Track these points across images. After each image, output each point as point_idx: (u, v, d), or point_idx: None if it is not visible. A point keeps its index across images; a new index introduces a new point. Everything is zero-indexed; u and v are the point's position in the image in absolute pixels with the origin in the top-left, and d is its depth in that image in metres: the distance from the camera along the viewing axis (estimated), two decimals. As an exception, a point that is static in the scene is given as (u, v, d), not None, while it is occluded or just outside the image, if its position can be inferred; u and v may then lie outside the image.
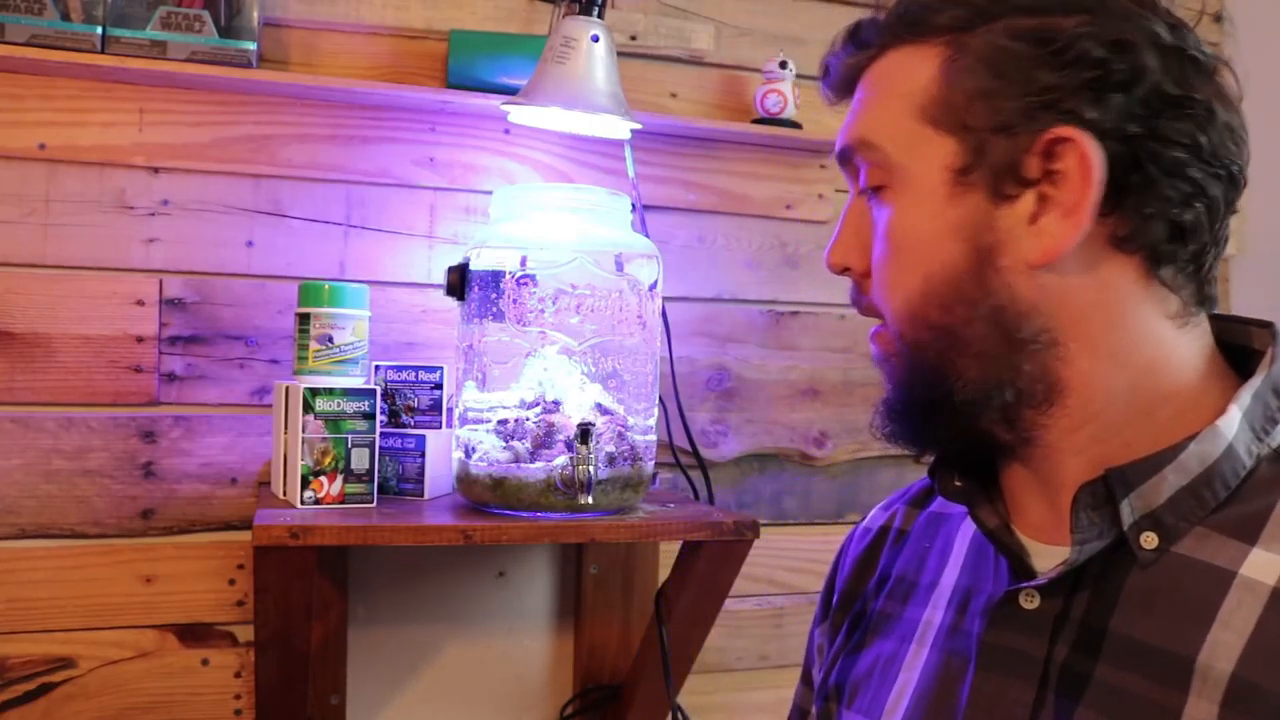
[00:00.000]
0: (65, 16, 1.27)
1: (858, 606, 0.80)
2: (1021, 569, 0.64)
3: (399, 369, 1.33)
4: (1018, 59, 0.60)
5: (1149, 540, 0.59)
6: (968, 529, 0.73)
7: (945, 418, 0.64)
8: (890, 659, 0.72)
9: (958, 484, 0.69)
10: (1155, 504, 0.59)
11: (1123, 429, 0.62)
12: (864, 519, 0.87)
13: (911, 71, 0.64)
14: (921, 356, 0.64)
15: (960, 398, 0.63)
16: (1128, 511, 0.59)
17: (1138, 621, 0.58)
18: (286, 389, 1.24)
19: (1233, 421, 0.60)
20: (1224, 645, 0.55)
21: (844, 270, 0.69)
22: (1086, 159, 0.58)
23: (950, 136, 0.62)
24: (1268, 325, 0.65)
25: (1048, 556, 0.64)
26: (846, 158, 0.69)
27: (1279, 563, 0.56)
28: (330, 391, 1.22)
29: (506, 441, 1.20)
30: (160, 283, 1.38)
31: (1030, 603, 0.62)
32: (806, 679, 0.88)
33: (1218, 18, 1.96)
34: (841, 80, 0.70)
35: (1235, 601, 0.56)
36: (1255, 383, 0.61)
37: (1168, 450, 0.59)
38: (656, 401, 1.30)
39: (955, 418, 0.64)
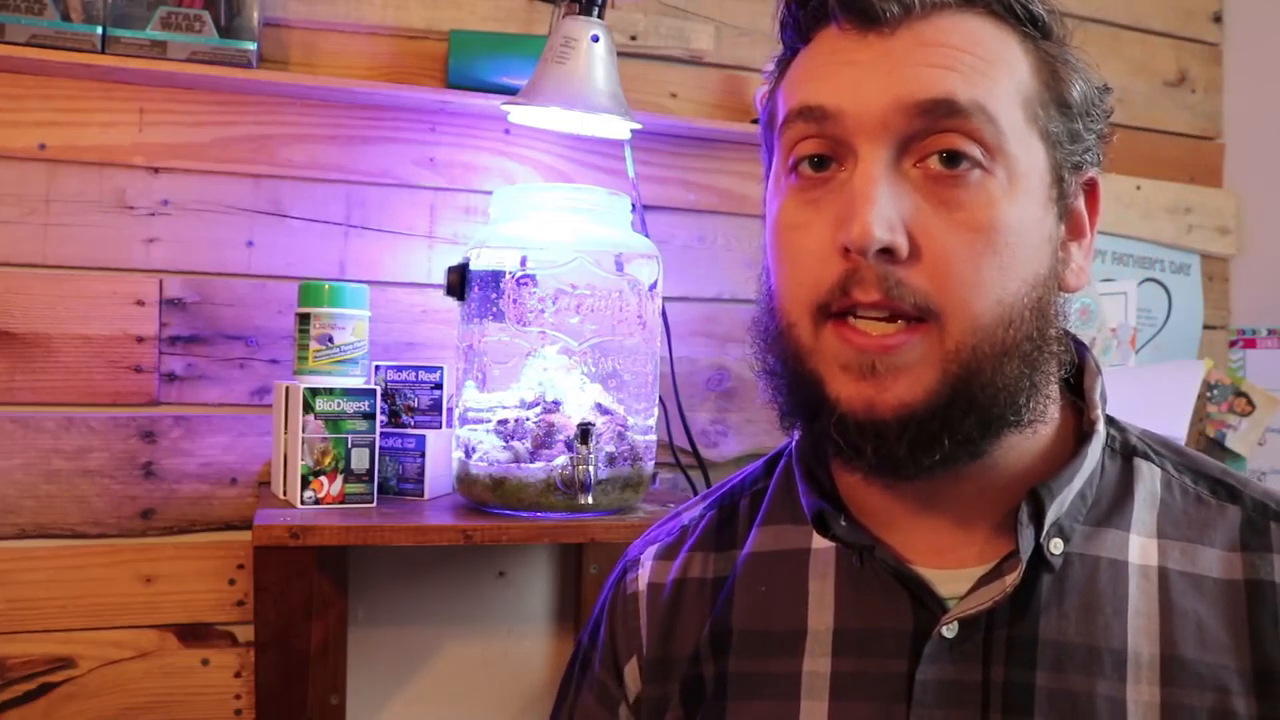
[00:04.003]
0: (65, 16, 1.27)
1: (687, 672, 0.70)
2: (931, 600, 0.63)
3: (399, 369, 1.33)
4: (1092, 100, 0.63)
5: (1056, 546, 0.62)
6: (820, 568, 0.68)
7: (985, 427, 0.59)
8: None
9: (844, 524, 0.65)
10: (1060, 511, 0.63)
11: (1040, 441, 0.65)
12: (624, 579, 0.77)
13: (1007, 54, 0.60)
14: (985, 361, 0.58)
15: (999, 408, 0.59)
16: (1047, 523, 0.62)
17: (1062, 625, 0.61)
18: (286, 389, 1.24)
19: (1101, 425, 0.66)
20: (1144, 631, 0.60)
21: (882, 251, 0.56)
22: (1099, 204, 0.65)
23: (1042, 144, 0.61)
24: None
25: (950, 583, 0.63)
26: (944, 113, 0.57)
27: (1153, 545, 0.63)
28: (330, 391, 1.22)
29: (506, 441, 1.20)
30: (160, 283, 1.38)
31: (951, 632, 0.61)
32: None
33: (1217, 18, 1.96)
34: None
35: (1136, 588, 0.61)
36: (1099, 385, 0.67)
37: (1074, 460, 0.63)
38: (656, 401, 1.30)
39: (994, 427, 0.60)
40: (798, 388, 0.62)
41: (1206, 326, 1.93)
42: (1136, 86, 1.89)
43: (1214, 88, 1.95)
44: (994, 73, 0.59)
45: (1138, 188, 1.86)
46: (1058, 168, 0.62)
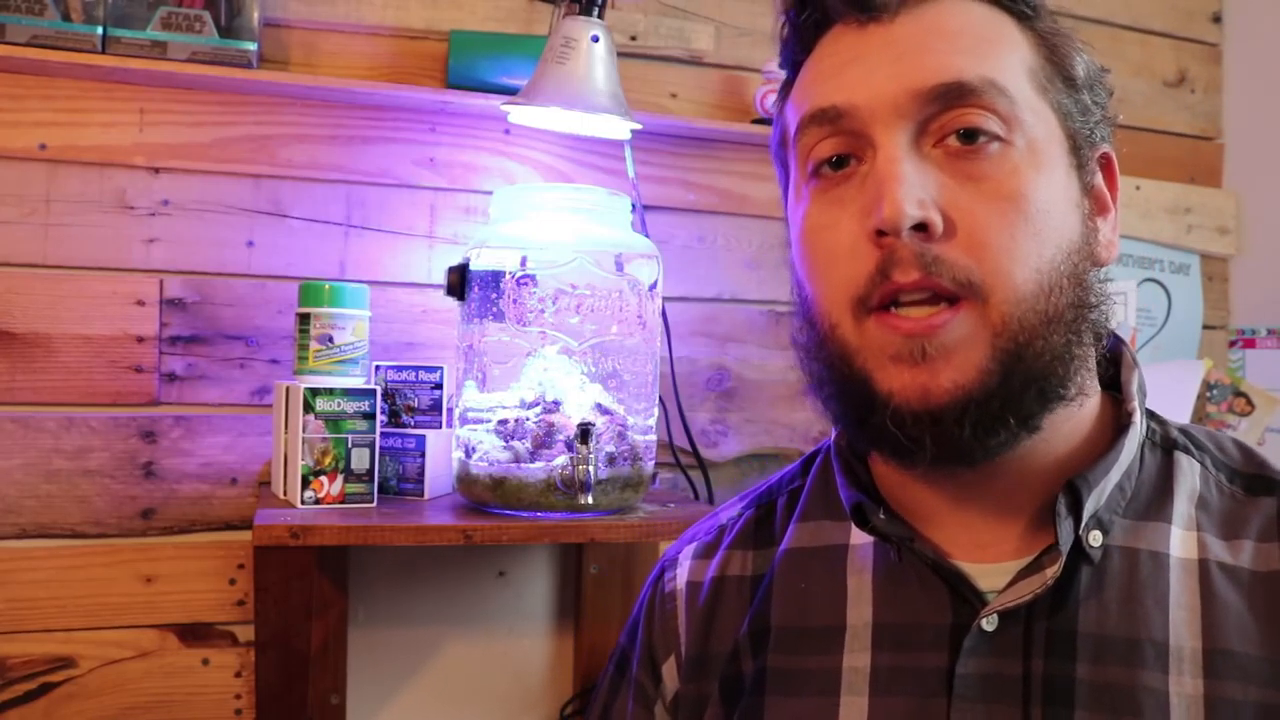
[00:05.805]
0: (66, 17, 1.27)
1: (726, 670, 0.70)
2: (970, 593, 0.63)
3: (399, 369, 1.33)
4: (1094, 74, 0.64)
5: (1095, 539, 0.62)
6: (858, 564, 0.68)
7: (1042, 399, 0.59)
8: (817, 717, 0.65)
9: (882, 517, 0.65)
10: (1099, 504, 0.62)
11: (1078, 431, 0.64)
12: (663, 579, 0.77)
13: (1006, 33, 0.61)
14: (1032, 332, 0.57)
15: (1054, 378, 0.59)
16: (1086, 515, 0.61)
17: (1102, 617, 0.60)
18: (287, 389, 1.24)
19: (1139, 417, 0.65)
20: (1185, 624, 0.59)
21: (916, 228, 0.56)
22: (1117, 180, 0.65)
23: (1054, 114, 0.62)
24: None
25: (989, 577, 0.63)
26: (956, 96, 0.58)
27: (1193, 538, 0.62)
28: (330, 391, 1.22)
29: (506, 441, 1.20)
30: (160, 283, 1.38)
31: (991, 625, 0.61)
32: None
33: (1217, 18, 1.96)
34: None
35: (1178, 581, 0.60)
36: (1135, 378, 0.66)
37: (1111, 452, 0.62)
38: (656, 401, 1.30)
39: (1049, 399, 0.59)
40: (847, 391, 0.61)
41: (1206, 326, 1.93)
42: (1136, 87, 1.89)
43: (1214, 88, 1.95)
44: (997, 49, 0.60)
45: (1137, 188, 1.86)
46: (1073, 137, 0.62)
